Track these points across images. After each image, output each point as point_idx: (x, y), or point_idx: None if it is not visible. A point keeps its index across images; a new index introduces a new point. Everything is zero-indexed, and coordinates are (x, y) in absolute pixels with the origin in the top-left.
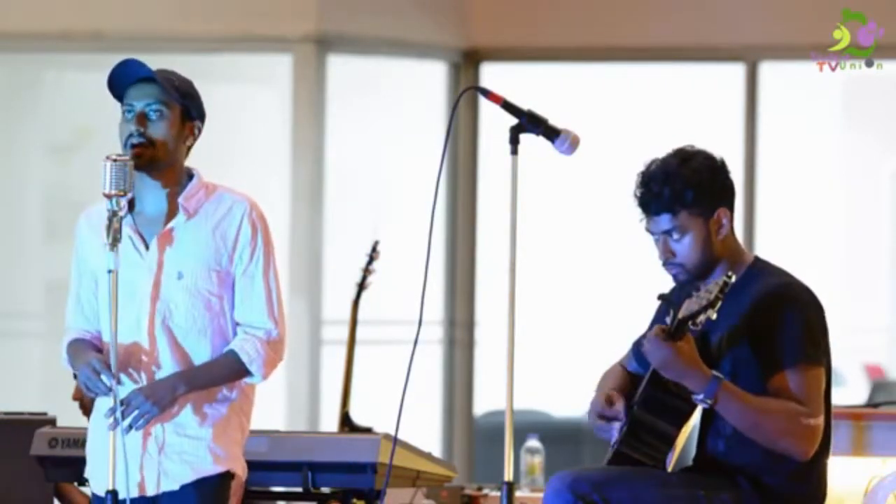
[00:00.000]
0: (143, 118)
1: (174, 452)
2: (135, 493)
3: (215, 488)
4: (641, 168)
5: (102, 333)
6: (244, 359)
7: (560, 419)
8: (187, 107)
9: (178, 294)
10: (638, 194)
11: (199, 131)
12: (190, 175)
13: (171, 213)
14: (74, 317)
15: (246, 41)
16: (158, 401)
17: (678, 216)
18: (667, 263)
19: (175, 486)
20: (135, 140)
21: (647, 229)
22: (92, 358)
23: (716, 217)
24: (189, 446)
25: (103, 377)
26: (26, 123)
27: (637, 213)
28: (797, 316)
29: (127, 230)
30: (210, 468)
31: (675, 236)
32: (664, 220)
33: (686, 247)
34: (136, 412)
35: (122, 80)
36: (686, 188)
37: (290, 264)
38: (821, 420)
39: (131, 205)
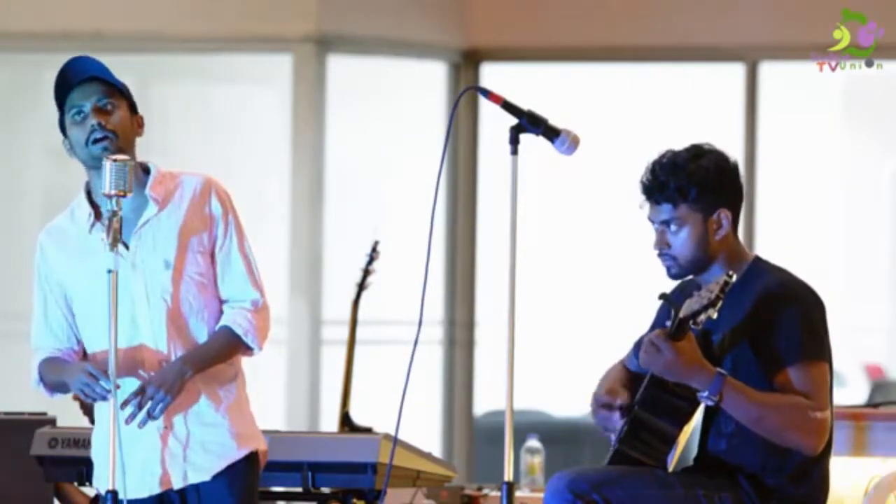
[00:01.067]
0: (100, 112)
1: (197, 444)
2: (157, 489)
3: (244, 471)
4: (654, 156)
5: (87, 344)
6: (239, 332)
7: (560, 419)
8: (130, 100)
9: (169, 284)
10: (644, 180)
11: (143, 126)
12: (146, 169)
13: (141, 207)
14: (43, 337)
15: (246, 41)
16: (170, 388)
17: (678, 208)
18: (661, 254)
19: (207, 477)
20: (98, 134)
21: (649, 217)
22: (85, 364)
23: (716, 216)
24: (211, 435)
25: (102, 382)
26: (26, 123)
27: (640, 199)
28: (798, 313)
29: (102, 234)
30: (237, 453)
31: (673, 228)
32: (664, 210)
33: (681, 240)
34: (150, 402)
35: (70, 82)
36: (690, 183)
37: (290, 264)
38: (828, 414)
39: (97, 210)
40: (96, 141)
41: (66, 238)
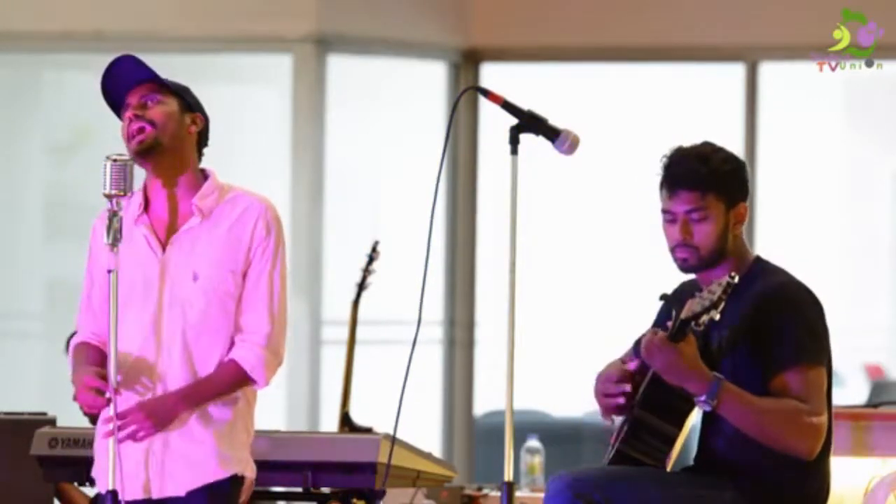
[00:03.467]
0: (140, 105)
1: (179, 456)
2: (139, 494)
3: (224, 493)
4: (670, 150)
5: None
6: (246, 367)
7: (560, 419)
8: (184, 99)
9: (193, 295)
10: (669, 169)
11: (204, 123)
12: (206, 177)
13: (187, 214)
14: (85, 318)
15: (246, 41)
16: (157, 421)
17: (706, 197)
18: (680, 246)
19: (181, 492)
20: (134, 125)
21: (666, 210)
22: (88, 373)
23: (738, 208)
24: (194, 450)
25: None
26: (26, 123)
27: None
28: (796, 316)
29: (143, 230)
30: (216, 473)
31: (697, 217)
32: (690, 199)
33: (705, 230)
34: (133, 427)
35: (119, 86)
36: (720, 171)
37: (290, 264)
38: (824, 418)
39: (147, 206)
40: (131, 137)
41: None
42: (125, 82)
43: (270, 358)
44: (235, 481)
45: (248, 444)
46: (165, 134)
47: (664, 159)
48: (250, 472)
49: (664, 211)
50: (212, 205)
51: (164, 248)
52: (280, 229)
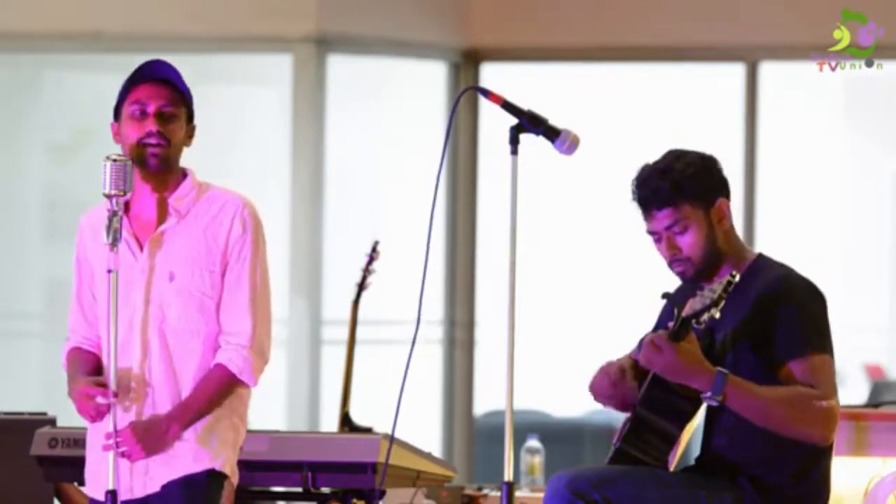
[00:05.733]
0: (160, 117)
1: (159, 456)
2: (124, 496)
3: (202, 487)
4: (635, 173)
5: (101, 338)
6: (234, 370)
7: (560, 419)
8: (190, 108)
9: (170, 296)
10: (637, 194)
11: (194, 136)
12: (184, 175)
13: (164, 215)
14: (76, 321)
15: (246, 41)
16: (148, 445)
17: (680, 209)
18: (673, 261)
19: (157, 487)
20: (153, 140)
21: (649, 231)
22: (83, 383)
23: (717, 206)
24: (173, 448)
25: (98, 399)
26: (26, 123)
27: (638, 216)
28: (799, 308)
29: (123, 232)
30: (191, 466)
31: (678, 230)
32: (666, 215)
33: (690, 240)
34: (125, 449)
35: (142, 76)
36: (683, 179)
37: (290, 264)
38: (834, 403)
39: (127, 207)
40: (148, 146)
41: (101, 224)
42: (147, 74)
43: (256, 358)
44: (215, 477)
45: (234, 444)
46: (175, 151)
47: (632, 182)
48: (231, 473)
49: (647, 232)
50: (188, 205)
51: (142, 248)
52: (258, 226)
